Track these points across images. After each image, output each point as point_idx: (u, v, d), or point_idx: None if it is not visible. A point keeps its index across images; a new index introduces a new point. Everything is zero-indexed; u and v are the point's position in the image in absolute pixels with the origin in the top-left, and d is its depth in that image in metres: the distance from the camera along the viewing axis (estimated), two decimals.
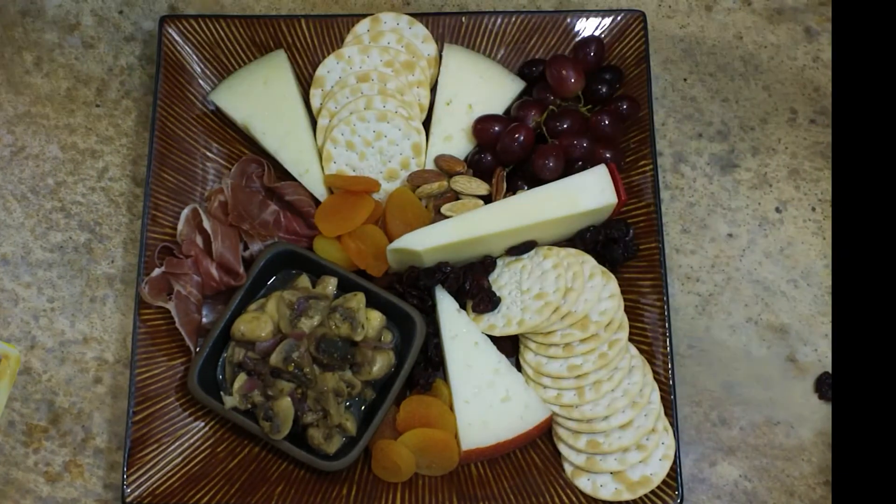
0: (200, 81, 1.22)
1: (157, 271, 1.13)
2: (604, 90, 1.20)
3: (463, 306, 1.15)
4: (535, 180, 1.16)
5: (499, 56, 1.24)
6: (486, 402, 1.11)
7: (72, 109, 1.26)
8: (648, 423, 1.09)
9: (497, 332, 1.13)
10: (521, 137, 1.16)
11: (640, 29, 1.21)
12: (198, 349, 1.12)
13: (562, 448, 1.11)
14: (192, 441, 1.12)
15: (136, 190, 1.23)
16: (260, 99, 1.20)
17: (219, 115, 1.23)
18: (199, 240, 1.15)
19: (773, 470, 1.14)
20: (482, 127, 1.19)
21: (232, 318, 1.11)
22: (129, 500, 1.08)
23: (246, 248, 1.16)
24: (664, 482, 1.08)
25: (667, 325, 1.13)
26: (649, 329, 1.13)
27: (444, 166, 1.19)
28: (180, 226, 1.16)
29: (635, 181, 1.18)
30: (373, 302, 1.12)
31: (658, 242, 1.15)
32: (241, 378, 1.09)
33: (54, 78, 1.27)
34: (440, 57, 1.23)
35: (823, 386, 1.16)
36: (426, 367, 1.12)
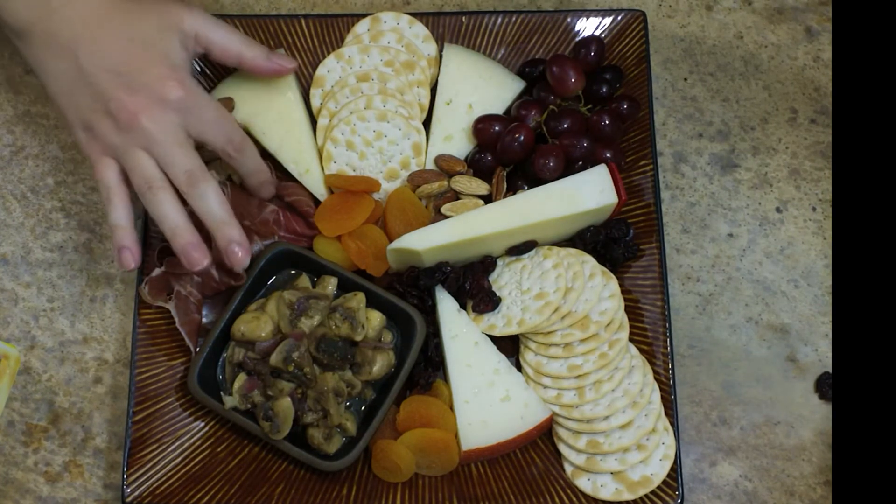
0: (200, 81, 1.22)
1: (157, 271, 1.13)
2: (604, 90, 1.20)
3: (463, 306, 1.15)
4: (535, 180, 1.16)
5: (499, 56, 1.24)
6: (486, 402, 1.11)
7: None
8: (649, 423, 1.09)
9: (497, 332, 1.13)
10: (522, 137, 1.16)
11: (640, 29, 1.21)
12: (198, 349, 1.12)
13: (562, 448, 1.11)
14: (192, 441, 1.12)
15: None
16: (260, 99, 1.20)
17: None
18: None
19: (773, 470, 1.14)
20: (482, 127, 1.19)
21: (232, 318, 1.11)
22: (129, 500, 1.08)
23: None
24: (664, 482, 1.08)
25: (667, 325, 1.13)
26: (649, 329, 1.13)
27: (444, 166, 1.19)
28: None
29: (635, 181, 1.18)
30: (373, 302, 1.12)
31: (658, 242, 1.15)
32: (241, 378, 1.09)
33: None
34: (440, 57, 1.23)
35: (823, 386, 1.16)
36: (426, 367, 1.12)
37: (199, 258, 1.05)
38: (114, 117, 1.03)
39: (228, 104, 1.18)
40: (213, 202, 1.05)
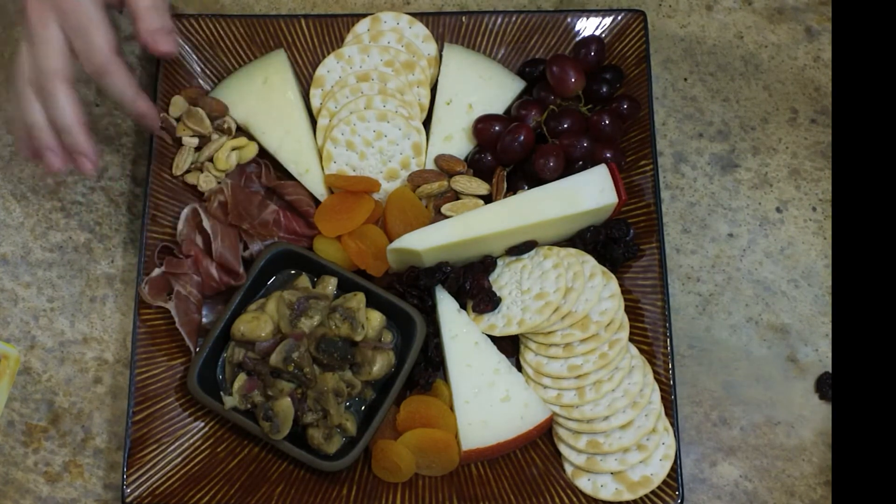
0: (200, 81, 1.22)
1: (157, 271, 1.13)
2: (604, 90, 1.20)
3: (463, 306, 1.15)
4: (536, 180, 1.16)
5: (499, 56, 1.24)
6: (486, 402, 1.11)
7: None
8: (649, 424, 1.09)
9: (497, 332, 1.13)
10: (522, 137, 1.16)
11: (640, 28, 1.21)
12: (198, 349, 1.12)
13: (562, 448, 1.11)
14: (192, 441, 1.12)
15: (136, 190, 1.23)
16: (260, 98, 1.20)
17: None
18: (199, 240, 1.15)
19: (773, 470, 1.14)
20: (482, 127, 1.19)
21: (232, 318, 1.11)
22: (128, 500, 1.08)
23: (246, 248, 1.16)
24: (665, 482, 1.08)
25: (667, 325, 1.13)
26: (650, 329, 1.13)
27: (445, 166, 1.19)
28: (180, 226, 1.16)
29: (635, 181, 1.18)
30: (373, 302, 1.11)
31: (658, 242, 1.15)
32: (241, 378, 1.09)
33: None
34: (440, 56, 1.23)
35: (824, 386, 1.16)
36: (426, 367, 1.12)
37: (53, 161, 1.05)
38: (22, 7, 1.04)
39: (220, 106, 1.18)
40: (63, 107, 1.04)
